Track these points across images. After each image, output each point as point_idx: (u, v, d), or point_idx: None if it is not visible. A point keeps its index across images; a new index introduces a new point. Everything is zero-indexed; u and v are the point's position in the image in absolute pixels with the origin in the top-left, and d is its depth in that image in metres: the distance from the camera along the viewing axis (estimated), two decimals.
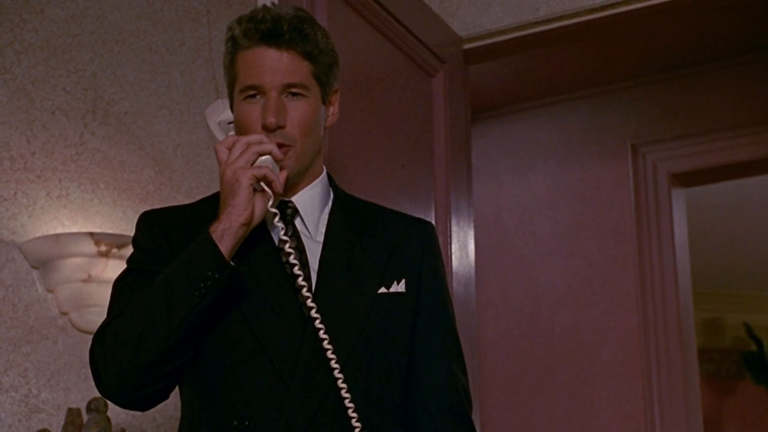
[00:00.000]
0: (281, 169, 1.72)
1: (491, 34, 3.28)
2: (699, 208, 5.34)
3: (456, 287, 2.96)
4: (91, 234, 2.72)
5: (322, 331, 1.66)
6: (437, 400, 1.79)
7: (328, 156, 2.44)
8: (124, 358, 1.65)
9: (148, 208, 2.85)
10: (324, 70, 1.79)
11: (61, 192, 2.80)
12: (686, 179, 4.34)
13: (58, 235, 2.70)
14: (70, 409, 2.60)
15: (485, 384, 4.20)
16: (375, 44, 2.81)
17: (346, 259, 1.77)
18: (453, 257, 2.99)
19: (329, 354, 1.66)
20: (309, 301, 1.67)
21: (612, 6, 3.13)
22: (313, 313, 1.67)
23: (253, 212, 1.67)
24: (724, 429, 7.16)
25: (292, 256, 1.69)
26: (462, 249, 3.07)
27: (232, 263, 1.65)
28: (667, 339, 4.11)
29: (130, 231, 2.06)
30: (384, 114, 2.82)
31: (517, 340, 4.35)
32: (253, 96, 1.75)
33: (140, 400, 1.71)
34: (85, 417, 2.59)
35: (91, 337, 1.73)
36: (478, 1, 3.30)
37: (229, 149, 1.69)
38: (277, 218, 1.70)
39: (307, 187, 1.81)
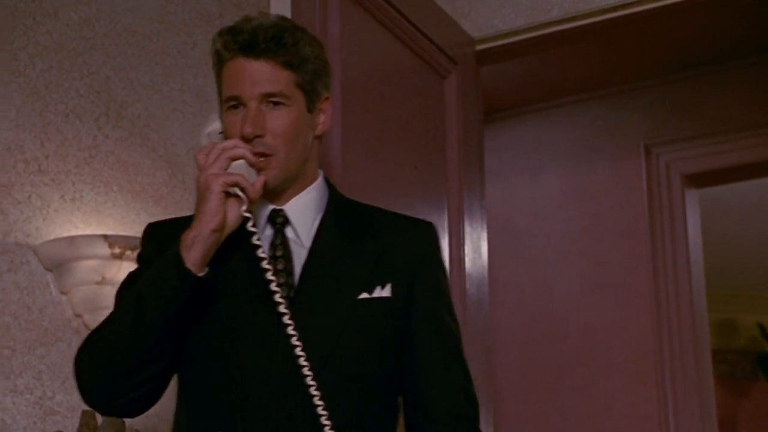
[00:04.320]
0: (258, 173, 1.72)
1: (504, 35, 3.28)
2: (712, 209, 5.32)
3: (469, 288, 2.96)
4: (105, 236, 2.72)
5: (295, 338, 1.65)
6: (437, 404, 1.77)
7: (339, 159, 2.44)
8: (100, 365, 1.69)
9: (161, 210, 2.85)
10: (309, 79, 1.77)
11: (74, 195, 2.80)
12: (699, 180, 4.32)
13: (72, 238, 2.70)
14: (84, 412, 2.61)
15: (498, 385, 4.19)
16: (387, 45, 2.81)
17: (330, 265, 1.75)
18: (466, 259, 2.99)
19: (301, 361, 1.64)
20: (282, 307, 1.66)
21: (625, 6, 3.12)
22: (285, 319, 1.66)
23: (224, 218, 1.67)
24: (739, 430, 7.13)
25: (265, 262, 1.68)
26: (475, 251, 3.07)
27: (195, 274, 1.64)
28: (680, 340, 4.09)
29: None
30: (396, 115, 2.82)
31: (530, 341, 4.34)
32: (236, 107, 1.75)
33: (121, 407, 1.74)
34: (99, 420, 2.59)
35: None
36: (491, 1, 3.30)
37: (207, 156, 1.71)
38: (250, 223, 1.69)
39: (300, 194, 1.80)
